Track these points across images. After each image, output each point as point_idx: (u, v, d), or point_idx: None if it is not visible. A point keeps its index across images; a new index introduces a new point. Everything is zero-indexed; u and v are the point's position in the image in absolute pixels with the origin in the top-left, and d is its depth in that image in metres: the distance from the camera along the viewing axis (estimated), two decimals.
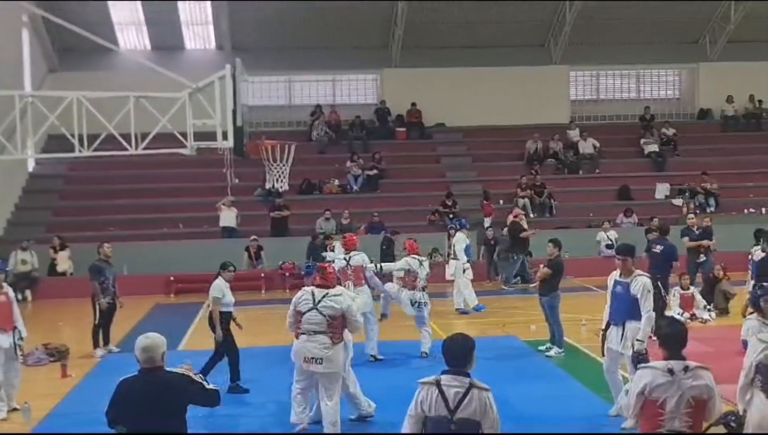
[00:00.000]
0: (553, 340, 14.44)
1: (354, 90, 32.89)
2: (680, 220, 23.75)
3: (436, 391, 5.97)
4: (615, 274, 10.31)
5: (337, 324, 9.79)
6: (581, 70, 33.07)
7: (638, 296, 9.92)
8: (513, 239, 23.11)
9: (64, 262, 23.44)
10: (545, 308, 14.54)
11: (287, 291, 23.36)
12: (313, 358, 9.70)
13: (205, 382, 6.81)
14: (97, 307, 15.33)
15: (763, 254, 15.62)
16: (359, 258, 14.14)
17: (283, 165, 13.61)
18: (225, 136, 12.47)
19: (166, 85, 13.74)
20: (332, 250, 23.46)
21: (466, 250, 19.47)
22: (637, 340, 9.79)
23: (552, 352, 14.25)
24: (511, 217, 23.72)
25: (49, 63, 29.70)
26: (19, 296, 16.94)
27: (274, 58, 29.66)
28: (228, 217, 24.95)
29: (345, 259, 14.09)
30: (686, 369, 6.16)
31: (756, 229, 17.34)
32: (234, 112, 12.18)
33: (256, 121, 26.64)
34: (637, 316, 9.89)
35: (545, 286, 14.51)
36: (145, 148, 12.27)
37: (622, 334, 10.01)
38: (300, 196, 27.58)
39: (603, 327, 10.37)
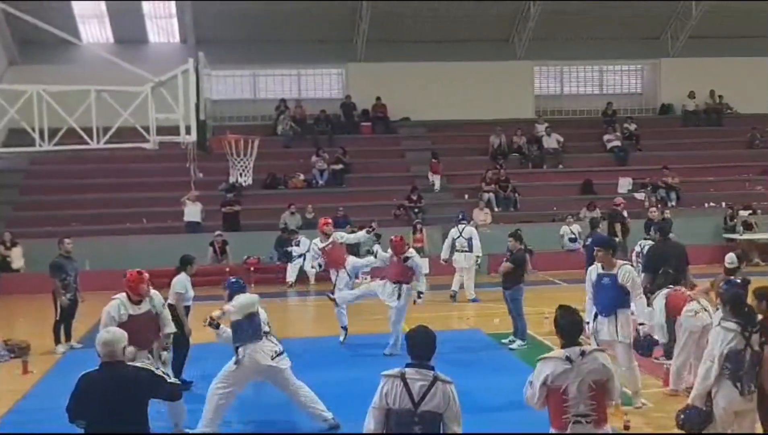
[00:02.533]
0: (517, 332, 14.57)
1: (319, 84, 32.85)
2: (642, 214, 24.01)
3: (401, 384, 6.05)
4: (596, 268, 10.61)
5: None
6: (545, 66, 33.31)
7: (627, 284, 10.32)
8: None
9: (18, 258, 23.13)
10: (508, 301, 14.68)
11: (252, 285, 23.25)
12: None
13: (166, 376, 6.82)
14: (59, 303, 15.20)
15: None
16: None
17: (247, 159, 13.58)
18: (188, 131, 12.36)
19: (129, 79, 13.57)
20: (297, 245, 23.62)
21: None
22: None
23: (515, 345, 14.39)
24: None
25: (9, 55, 29.28)
26: None
27: (239, 52, 29.50)
28: (192, 211, 24.80)
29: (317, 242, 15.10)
30: (582, 354, 6.42)
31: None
32: (197, 106, 12.13)
33: (220, 115, 26.51)
34: (626, 305, 10.40)
35: (508, 280, 14.64)
36: (107, 143, 12.12)
37: (616, 324, 10.35)
38: (265, 190, 27.50)
39: (588, 320, 10.49)
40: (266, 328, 10.06)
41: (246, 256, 24.21)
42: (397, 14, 29.95)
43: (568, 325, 6.59)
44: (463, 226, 20.21)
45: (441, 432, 6.15)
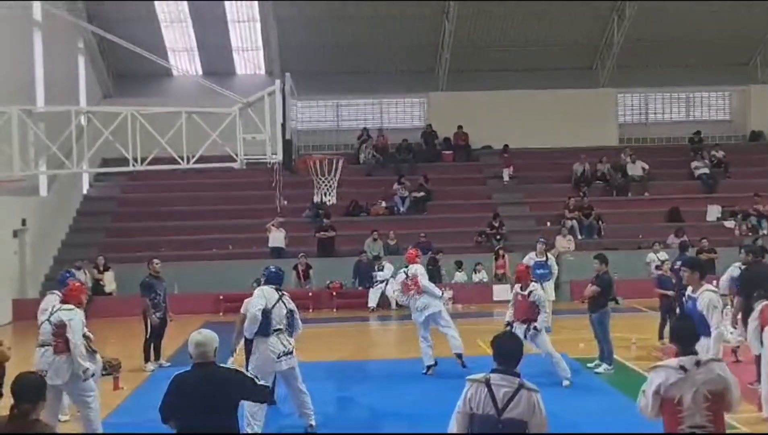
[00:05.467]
0: (603, 356, 14.27)
1: (401, 113, 33.19)
2: (733, 242, 23.41)
3: (485, 389, 5.94)
4: (688, 290, 10.17)
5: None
6: (629, 93, 32.93)
7: (704, 312, 9.64)
8: None
9: (110, 282, 23.81)
10: (595, 325, 14.40)
11: (335, 310, 23.52)
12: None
13: (256, 378, 6.92)
14: (149, 322, 15.56)
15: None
16: (415, 269, 14.44)
17: (331, 178, 13.77)
18: (274, 151, 12.62)
19: (214, 120, 13.99)
20: (381, 270, 23.81)
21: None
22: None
23: (601, 369, 14.08)
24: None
25: (104, 89, 30.44)
26: None
27: (323, 82, 30.04)
28: (277, 237, 25.23)
29: (405, 272, 14.48)
30: (698, 364, 6.16)
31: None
32: (283, 126, 12.36)
33: (304, 144, 26.95)
34: (705, 332, 9.58)
35: (594, 304, 14.38)
36: (196, 163, 12.46)
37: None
38: (347, 217, 27.80)
39: None
40: (279, 326, 10.17)
41: (329, 281, 24.45)
42: (478, 43, 30.10)
43: (684, 331, 6.39)
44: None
45: None
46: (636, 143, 32.25)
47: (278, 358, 10.02)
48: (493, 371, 6.07)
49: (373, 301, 23.52)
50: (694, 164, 30.32)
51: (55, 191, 26.45)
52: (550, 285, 18.86)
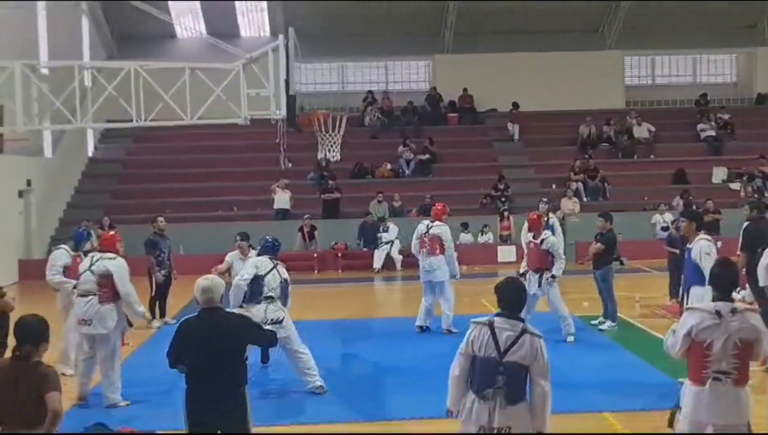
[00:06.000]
0: (606, 314, 14.31)
1: (406, 76, 33.05)
2: (738, 204, 23.35)
3: (488, 331, 5.95)
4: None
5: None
6: (636, 55, 32.73)
7: (697, 260, 9.80)
8: None
9: None
10: (599, 282, 14.40)
11: (340, 271, 23.59)
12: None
13: (262, 324, 6.95)
14: (153, 280, 15.62)
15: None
16: (439, 229, 13.89)
17: (335, 135, 13.71)
18: (278, 107, 12.57)
19: (224, 72, 13.87)
20: (386, 232, 23.86)
21: None
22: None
23: (605, 326, 14.12)
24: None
25: (108, 51, 30.32)
26: None
27: (328, 45, 29.88)
28: (282, 199, 25.25)
29: (427, 225, 13.99)
30: (734, 311, 6.10)
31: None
32: (287, 82, 12.30)
33: (309, 106, 26.87)
34: (699, 281, 9.65)
35: (598, 261, 14.38)
36: (199, 119, 12.43)
37: (686, 301, 9.86)
38: (352, 179, 27.79)
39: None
40: (270, 294, 10.18)
41: (334, 242, 24.49)
42: (484, 6, 29.83)
43: (723, 277, 6.30)
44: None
45: (526, 385, 6.02)
46: (642, 106, 32.14)
47: (264, 325, 10.00)
48: (497, 315, 6.07)
49: (378, 262, 23.57)
50: (700, 126, 30.19)
51: (60, 153, 26.46)
52: (557, 269, 18.46)
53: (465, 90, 31.21)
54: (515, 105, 30.41)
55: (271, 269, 10.32)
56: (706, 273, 9.51)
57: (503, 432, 5.87)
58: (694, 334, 6.11)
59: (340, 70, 32.78)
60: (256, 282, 10.16)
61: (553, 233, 17.56)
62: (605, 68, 31.54)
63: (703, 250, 9.82)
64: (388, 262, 23.67)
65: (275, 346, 7.38)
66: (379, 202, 25.44)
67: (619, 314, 14.50)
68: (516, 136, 30.13)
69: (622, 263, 21.58)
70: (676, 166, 28.20)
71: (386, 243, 23.75)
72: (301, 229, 24.22)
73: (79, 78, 12.76)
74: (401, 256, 23.64)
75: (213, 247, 23.69)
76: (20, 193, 23.65)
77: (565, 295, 17.43)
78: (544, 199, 18.75)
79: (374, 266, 23.55)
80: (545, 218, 18.37)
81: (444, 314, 13.87)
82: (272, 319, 10.07)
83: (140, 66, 12.50)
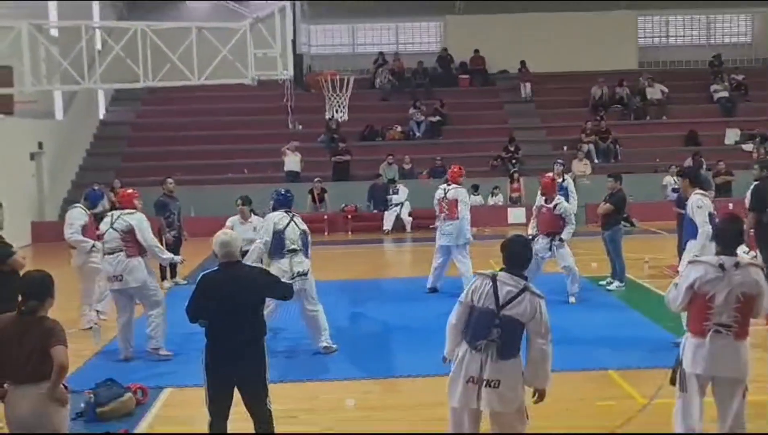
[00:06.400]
0: (615, 274, 14.33)
1: (417, 37, 32.84)
2: (750, 165, 23.17)
3: (491, 284, 5.98)
4: None
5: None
6: (649, 15, 32.38)
7: (692, 216, 9.90)
8: None
9: None
10: (607, 242, 14.41)
11: (350, 233, 23.66)
12: None
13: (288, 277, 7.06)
14: (164, 240, 15.70)
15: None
16: (455, 192, 13.79)
17: (343, 95, 13.68)
18: (285, 67, 12.55)
19: (231, 33, 13.81)
20: (396, 194, 23.90)
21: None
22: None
23: (613, 286, 14.15)
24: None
25: (117, 13, 30.25)
26: None
27: (338, 6, 29.72)
28: (292, 161, 25.25)
29: (444, 189, 13.89)
30: (737, 265, 6.15)
31: None
32: (293, 41, 12.26)
33: (320, 68, 26.84)
34: (693, 235, 9.84)
35: (607, 221, 14.37)
36: (207, 79, 12.42)
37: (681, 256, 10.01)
38: (362, 142, 27.75)
39: None
40: (293, 247, 10.15)
41: (344, 205, 24.53)
42: None
43: (728, 232, 6.32)
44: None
45: (520, 343, 6.02)
46: (655, 67, 31.83)
47: (291, 278, 10.00)
48: (502, 269, 6.11)
49: (388, 223, 23.62)
50: (713, 87, 29.92)
51: (71, 115, 26.52)
52: (566, 233, 18.13)
53: (476, 51, 30.99)
54: (523, 63, 30.21)
55: (289, 222, 10.27)
56: (698, 224, 9.69)
57: (492, 385, 5.89)
58: (697, 287, 6.16)
59: (351, 32, 32.60)
60: (277, 237, 10.12)
61: (568, 195, 17.51)
62: (618, 29, 31.21)
63: (695, 203, 9.92)
64: (398, 223, 23.74)
65: (290, 299, 7.46)
66: (390, 164, 25.42)
67: (627, 275, 14.53)
68: (528, 95, 29.90)
69: (632, 225, 21.60)
70: (689, 128, 28.00)
71: (396, 205, 23.81)
72: (311, 192, 24.26)
73: (87, 38, 12.70)
74: (411, 218, 23.70)
75: (223, 210, 23.50)
76: (32, 156, 23.77)
77: (574, 256, 17.49)
78: (560, 161, 18.70)
79: (384, 228, 23.61)
80: (560, 180, 18.27)
81: (464, 277, 13.51)
82: (298, 272, 10.12)
83: (147, 26, 12.45)
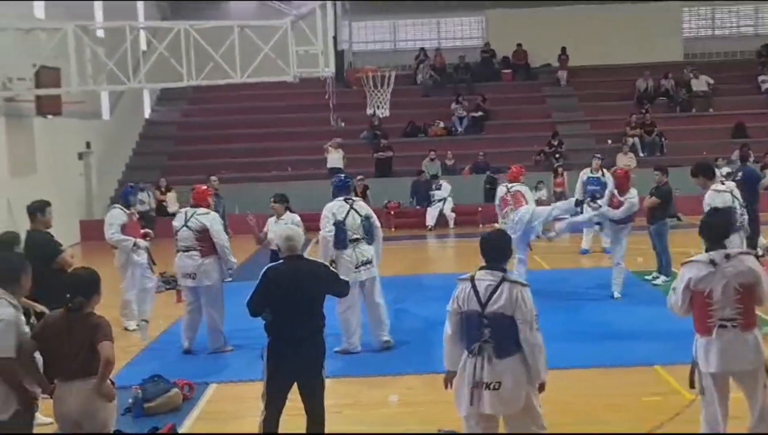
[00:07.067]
0: (661, 268, 14.18)
1: (459, 32, 32.73)
2: None
3: (470, 285, 5.88)
4: None
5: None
6: (694, 6, 31.90)
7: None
8: None
9: (172, 203, 24.22)
10: (653, 237, 14.28)
11: (393, 229, 23.66)
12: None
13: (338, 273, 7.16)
14: None
15: None
16: (518, 187, 13.62)
17: (384, 91, 13.70)
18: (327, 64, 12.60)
19: (272, 31, 13.88)
20: (439, 189, 23.87)
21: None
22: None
23: (659, 281, 13.99)
24: None
25: (161, 13, 30.62)
26: None
27: (379, 3, 29.73)
28: (335, 158, 25.31)
29: (507, 186, 13.73)
30: (727, 257, 6.13)
31: None
32: (335, 38, 12.30)
33: (360, 65, 26.86)
34: None
35: (653, 215, 14.23)
36: (249, 77, 12.51)
37: None
38: (405, 138, 27.75)
39: None
40: (356, 236, 10.08)
41: (387, 201, 24.55)
42: None
43: (712, 226, 6.34)
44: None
45: (516, 337, 5.82)
46: (701, 58, 31.38)
47: (356, 268, 10.01)
48: (480, 268, 6.00)
49: (431, 219, 23.60)
50: (761, 78, 29.38)
51: (117, 115, 26.92)
52: (604, 202, 17.87)
53: (519, 45, 30.83)
54: (563, 50, 29.94)
55: (349, 211, 10.14)
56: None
57: (492, 387, 5.78)
58: (693, 286, 6.15)
59: (393, 28, 32.61)
60: (338, 227, 10.00)
61: (605, 189, 17.08)
62: (662, 20, 30.79)
63: (706, 201, 9.89)
64: (441, 219, 23.71)
65: (346, 296, 7.52)
66: (432, 160, 25.39)
67: (673, 269, 14.34)
68: (564, 83, 29.72)
69: (678, 219, 21.25)
70: (736, 120, 27.54)
71: (439, 200, 23.78)
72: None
73: (132, 38, 12.89)
74: (454, 214, 23.65)
75: (267, 208, 24.09)
76: (80, 156, 24.15)
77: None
78: (598, 155, 18.36)
79: (427, 224, 23.60)
80: (599, 174, 17.80)
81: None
82: (362, 261, 10.08)
83: (191, 26, 12.59)
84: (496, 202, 14.07)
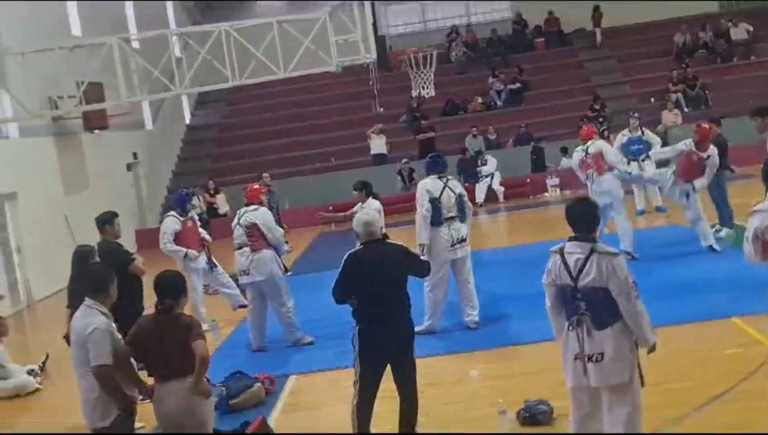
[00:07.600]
0: (723, 221, 13.97)
1: (488, 6, 32.55)
2: None
3: (560, 259, 5.75)
4: None
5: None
6: None
7: None
8: None
9: (222, 204, 24.44)
10: (711, 190, 14.03)
11: None
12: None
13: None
14: None
15: None
16: (596, 147, 13.28)
17: (427, 71, 13.68)
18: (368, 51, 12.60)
19: (310, 24, 13.89)
20: (485, 165, 23.76)
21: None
22: None
23: (722, 233, 13.75)
24: None
25: (192, 17, 30.86)
26: None
27: None
28: (378, 144, 25.35)
29: (584, 149, 13.48)
30: None
31: None
32: (374, 24, 12.30)
33: (396, 48, 26.85)
34: None
35: None
36: (292, 71, 12.57)
37: None
38: (445, 117, 27.65)
39: None
40: (450, 214, 10.05)
41: None
42: None
43: None
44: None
45: (615, 306, 5.61)
46: (737, 7, 30.75)
47: (452, 246, 10.02)
48: (569, 239, 5.83)
49: (480, 195, 23.51)
50: None
51: (160, 124, 27.23)
52: (650, 162, 16.46)
53: (550, 12, 30.52)
54: (596, 8, 29.53)
55: (444, 188, 10.10)
56: None
57: (595, 359, 5.63)
58: (761, 235, 6.02)
59: (422, 9, 32.51)
60: (433, 205, 9.97)
61: (647, 148, 16.75)
62: None
63: None
64: (490, 194, 23.62)
65: (427, 276, 7.59)
66: (474, 136, 25.29)
67: (735, 221, 14.14)
68: (599, 43, 29.43)
69: (732, 171, 20.94)
70: None
71: (486, 176, 23.67)
72: (400, 172, 24.31)
73: (173, 41, 13.02)
74: (503, 188, 23.55)
75: (317, 199, 24.21)
76: (128, 167, 24.48)
77: (678, 208, 17.16)
78: (636, 115, 18.02)
79: (476, 200, 23.44)
80: (638, 133, 17.42)
81: (621, 235, 13.08)
82: (458, 239, 10.08)
83: (230, 26, 12.68)
84: (576, 166, 13.79)
